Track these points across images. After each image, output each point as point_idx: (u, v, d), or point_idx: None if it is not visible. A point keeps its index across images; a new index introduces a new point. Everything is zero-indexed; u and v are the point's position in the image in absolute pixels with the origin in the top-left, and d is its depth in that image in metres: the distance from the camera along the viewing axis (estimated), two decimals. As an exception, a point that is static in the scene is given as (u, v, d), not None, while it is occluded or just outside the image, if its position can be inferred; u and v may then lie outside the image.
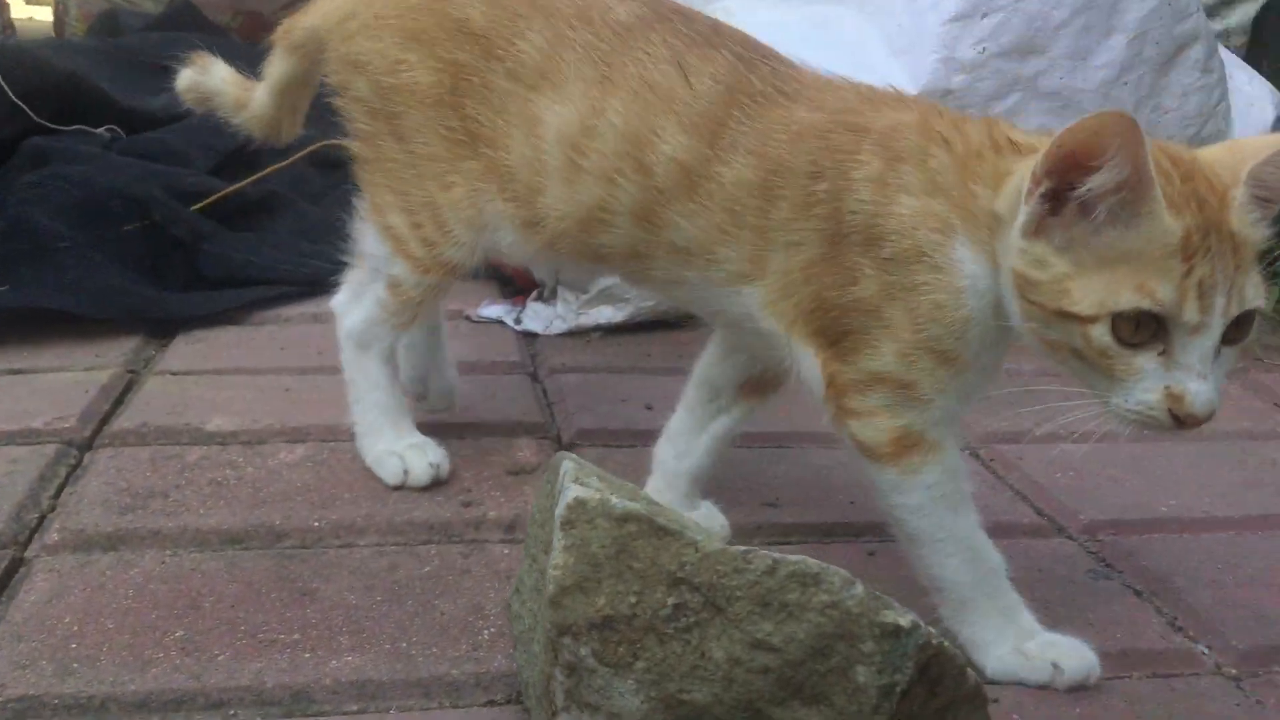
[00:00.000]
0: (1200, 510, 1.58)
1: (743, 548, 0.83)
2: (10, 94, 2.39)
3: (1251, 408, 1.98)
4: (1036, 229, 1.04)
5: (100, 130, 2.54)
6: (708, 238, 1.20)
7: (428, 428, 1.53)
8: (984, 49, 1.95)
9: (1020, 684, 1.19)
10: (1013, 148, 1.11)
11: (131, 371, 1.82)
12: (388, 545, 1.34)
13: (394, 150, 1.36)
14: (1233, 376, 1.33)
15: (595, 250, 1.28)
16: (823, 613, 0.81)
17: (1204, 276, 1.00)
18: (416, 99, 1.32)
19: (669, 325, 2.10)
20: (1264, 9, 2.79)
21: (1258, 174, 1.04)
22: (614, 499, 0.84)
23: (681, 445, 1.40)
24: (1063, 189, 1.02)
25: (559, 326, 2.04)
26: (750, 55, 1.23)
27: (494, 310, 2.10)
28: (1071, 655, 1.20)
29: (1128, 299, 1.00)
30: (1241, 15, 2.68)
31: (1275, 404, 2.01)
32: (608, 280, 2.03)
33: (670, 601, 0.82)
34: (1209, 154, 1.09)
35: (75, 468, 1.48)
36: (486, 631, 1.17)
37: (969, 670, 0.94)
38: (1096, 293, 1.01)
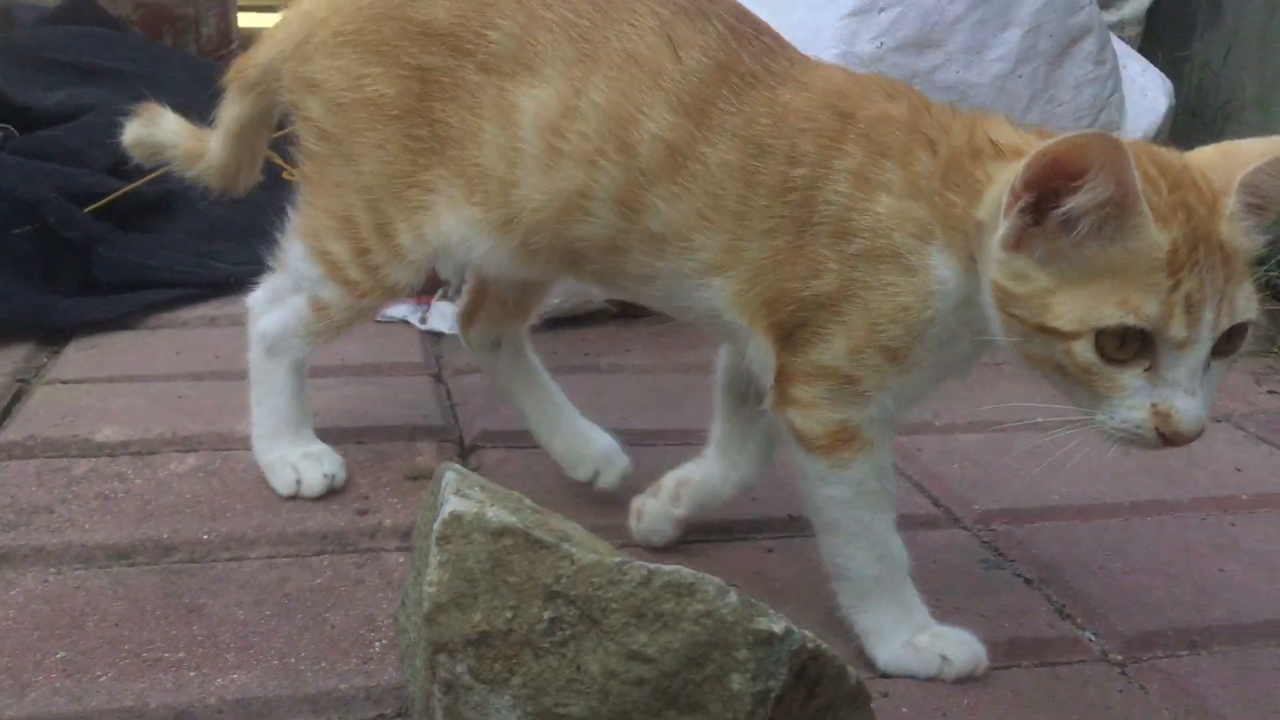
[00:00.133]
0: (1091, 497, 1.61)
1: (619, 559, 0.83)
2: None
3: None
4: (1017, 242, 1.00)
5: (-9, 129, 2.46)
6: (686, 223, 1.17)
7: (324, 432, 1.51)
8: (881, 44, 1.97)
9: (911, 676, 1.21)
10: (995, 151, 1.07)
11: (21, 381, 1.77)
12: (279, 557, 1.32)
13: (340, 170, 1.31)
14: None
15: (571, 245, 1.23)
16: (697, 622, 0.81)
17: (1192, 290, 0.96)
18: (380, 113, 1.27)
19: (576, 323, 2.10)
20: (1158, -1, 2.86)
21: (1251, 181, 1.00)
22: (490, 513, 0.84)
23: (732, 455, 1.38)
24: (1043, 203, 0.98)
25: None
26: (742, 28, 1.19)
27: (398, 310, 2.08)
28: (959, 647, 1.22)
29: (1111, 315, 0.96)
30: (1135, 6, 2.74)
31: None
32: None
33: (546, 615, 0.82)
34: (1201, 157, 1.06)
35: (-43, 484, 1.44)
36: (378, 644, 1.16)
37: (849, 670, 0.95)
38: (1079, 308, 0.98)
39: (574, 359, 1.95)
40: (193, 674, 1.10)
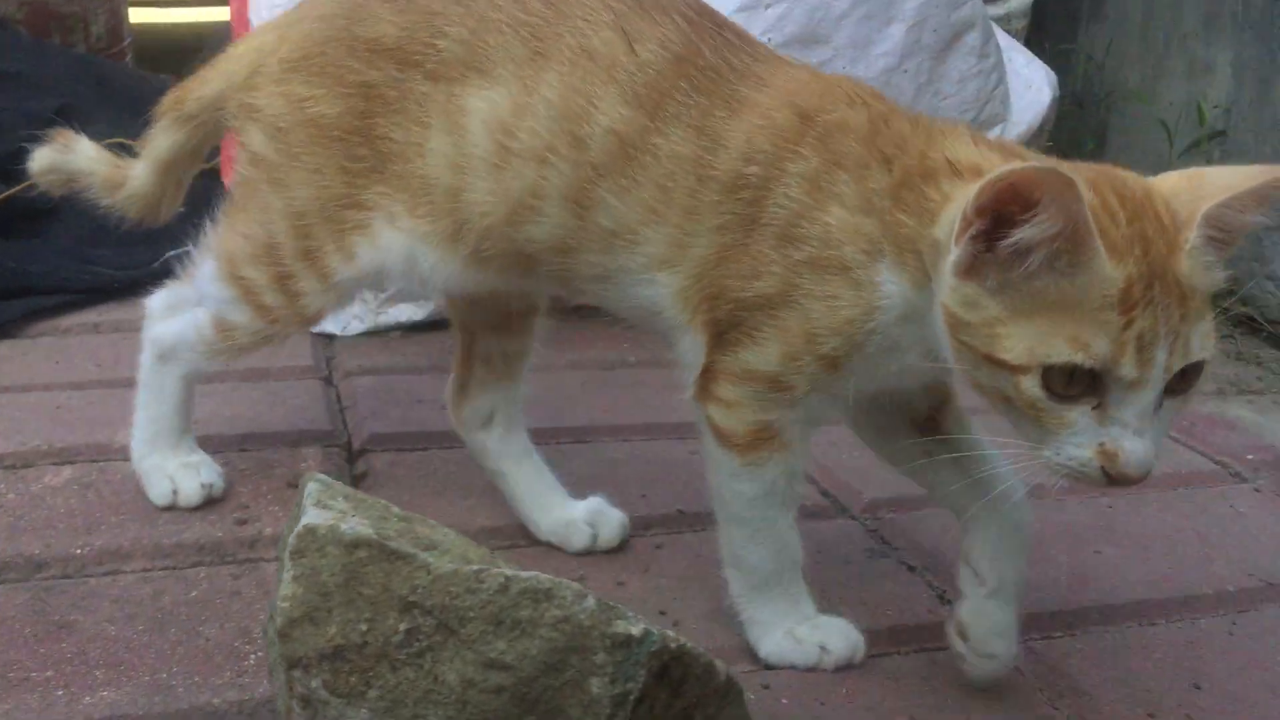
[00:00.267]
0: (974, 484, 1.65)
1: (476, 566, 0.83)
2: None
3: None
4: (969, 268, 0.97)
5: None
6: (635, 217, 1.15)
7: (207, 439, 1.49)
8: (769, 39, 1.98)
9: (792, 667, 1.23)
10: (952, 170, 1.04)
11: (-109, 394, 1.71)
12: (155, 570, 1.29)
13: (269, 196, 1.28)
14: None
15: (521, 249, 1.21)
16: (555, 627, 0.82)
17: (1144, 330, 0.92)
18: (321, 134, 1.24)
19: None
20: (1045, -8, 2.93)
21: (1215, 216, 0.96)
22: (345, 525, 0.83)
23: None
24: (996, 229, 0.95)
25: (356, 327, 2.01)
26: (703, 22, 1.17)
27: (289, 312, 2.04)
28: (837, 636, 1.25)
29: (1060, 351, 0.93)
30: (1022, -1, 2.81)
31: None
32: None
33: (402, 627, 0.81)
34: (1168, 183, 1.02)
35: None
36: (253, 656, 1.14)
37: (718, 667, 0.96)
38: (1028, 341, 0.94)
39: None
40: (60, 693, 1.08)
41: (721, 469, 1.19)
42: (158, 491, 1.40)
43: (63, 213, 2.29)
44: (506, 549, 1.42)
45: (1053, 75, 2.43)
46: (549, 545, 1.42)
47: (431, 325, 2.06)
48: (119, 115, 2.23)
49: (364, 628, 0.82)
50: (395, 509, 0.97)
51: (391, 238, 1.24)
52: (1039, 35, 2.83)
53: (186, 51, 2.93)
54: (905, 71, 2.09)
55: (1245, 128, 2.40)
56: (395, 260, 1.25)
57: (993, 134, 2.21)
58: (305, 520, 0.84)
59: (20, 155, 2.32)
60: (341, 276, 1.28)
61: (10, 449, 1.52)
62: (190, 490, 1.39)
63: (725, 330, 1.13)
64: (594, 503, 1.46)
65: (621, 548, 1.44)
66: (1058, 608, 1.37)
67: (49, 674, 1.10)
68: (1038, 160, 1.01)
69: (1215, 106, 2.44)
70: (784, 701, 1.19)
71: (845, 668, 1.24)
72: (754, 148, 1.10)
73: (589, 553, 1.42)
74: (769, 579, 1.23)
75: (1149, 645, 1.32)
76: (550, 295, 1.42)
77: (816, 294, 1.08)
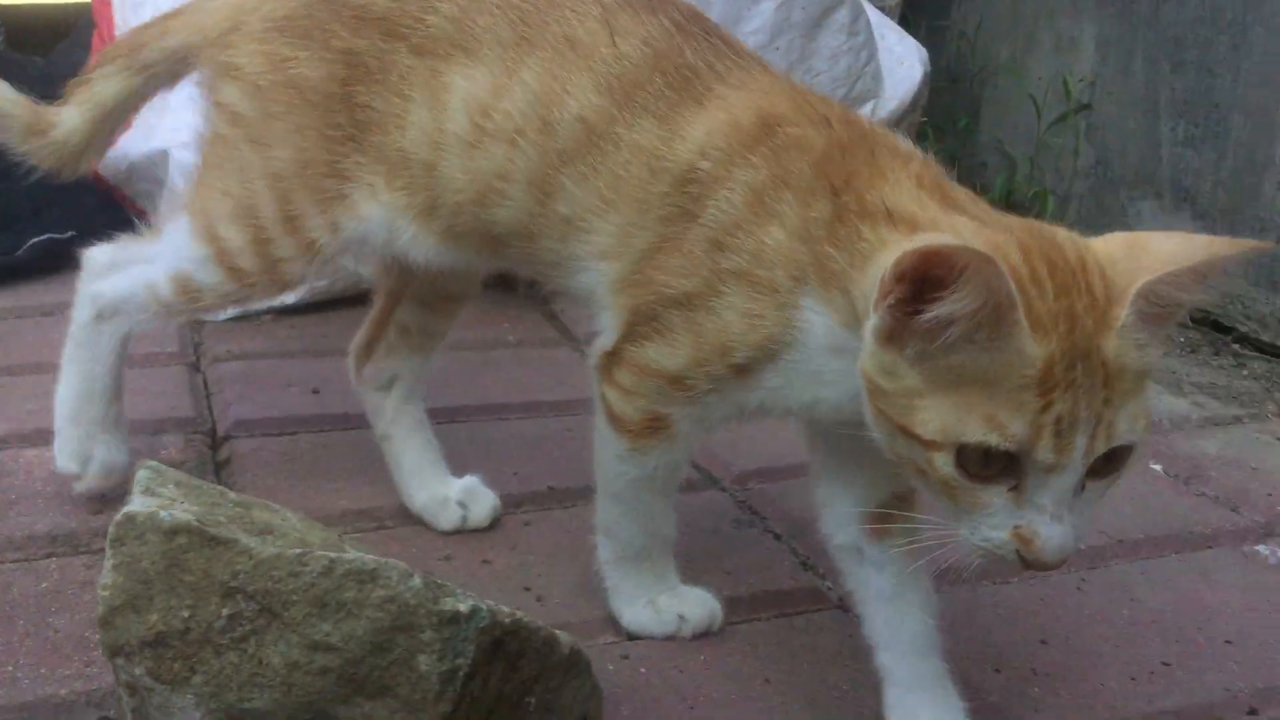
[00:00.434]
0: (841, 453, 1.68)
1: (299, 550, 0.83)
2: None
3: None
4: (889, 336, 0.91)
5: None
6: (589, 205, 1.13)
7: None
8: (640, 16, 1.99)
9: (651, 636, 1.25)
10: (887, 217, 0.98)
11: None
12: (5, 563, 1.27)
13: (249, 156, 1.24)
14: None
15: (489, 230, 1.20)
16: (381, 607, 0.82)
17: (1063, 413, 0.87)
18: (300, 97, 1.22)
19: (349, 303, 2.07)
20: (921, -30, 2.98)
21: (1151, 291, 0.89)
22: (164, 512, 0.83)
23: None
24: (918, 297, 0.88)
25: (227, 311, 1.97)
26: (691, 26, 1.16)
27: (158, 298, 2.00)
28: (695, 605, 1.27)
29: (975, 431, 0.87)
30: (898, -24, 2.85)
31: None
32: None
33: (225, 612, 0.81)
34: (1108, 248, 0.94)
35: None
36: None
37: (561, 640, 0.97)
38: (944, 417, 0.89)
39: (346, 341, 1.91)
40: (-101, 691, 1.05)
41: (608, 447, 1.19)
42: (66, 454, 1.36)
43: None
44: (373, 531, 1.42)
45: (924, 51, 2.47)
46: (417, 526, 1.42)
47: (305, 308, 2.04)
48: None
49: (186, 614, 0.81)
50: (232, 495, 0.96)
51: (371, 209, 1.23)
52: (914, 13, 2.88)
53: (58, 33, 2.84)
54: (776, 49, 2.11)
55: (1109, 101, 2.47)
56: (377, 231, 1.23)
57: (865, 110, 2.25)
58: (126, 508, 0.83)
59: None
60: (325, 245, 1.25)
61: None
62: (100, 462, 1.36)
63: (640, 321, 1.12)
64: (469, 482, 1.46)
65: (492, 526, 1.45)
66: (915, 570, 1.41)
67: (-112, 672, 1.08)
68: (975, 219, 0.97)
69: (1081, 80, 2.51)
70: (642, 671, 1.21)
71: (704, 635, 1.26)
72: (710, 143, 1.08)
73: (458, 532, 1.43)
74: (638, 553, 1.25)
75: (1000, 603, 1.37)
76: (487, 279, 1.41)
77: (739, 308, 1.05)
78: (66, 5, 3.01)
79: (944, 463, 0.90)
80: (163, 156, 2.04)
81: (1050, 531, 0.90)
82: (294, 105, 1.22)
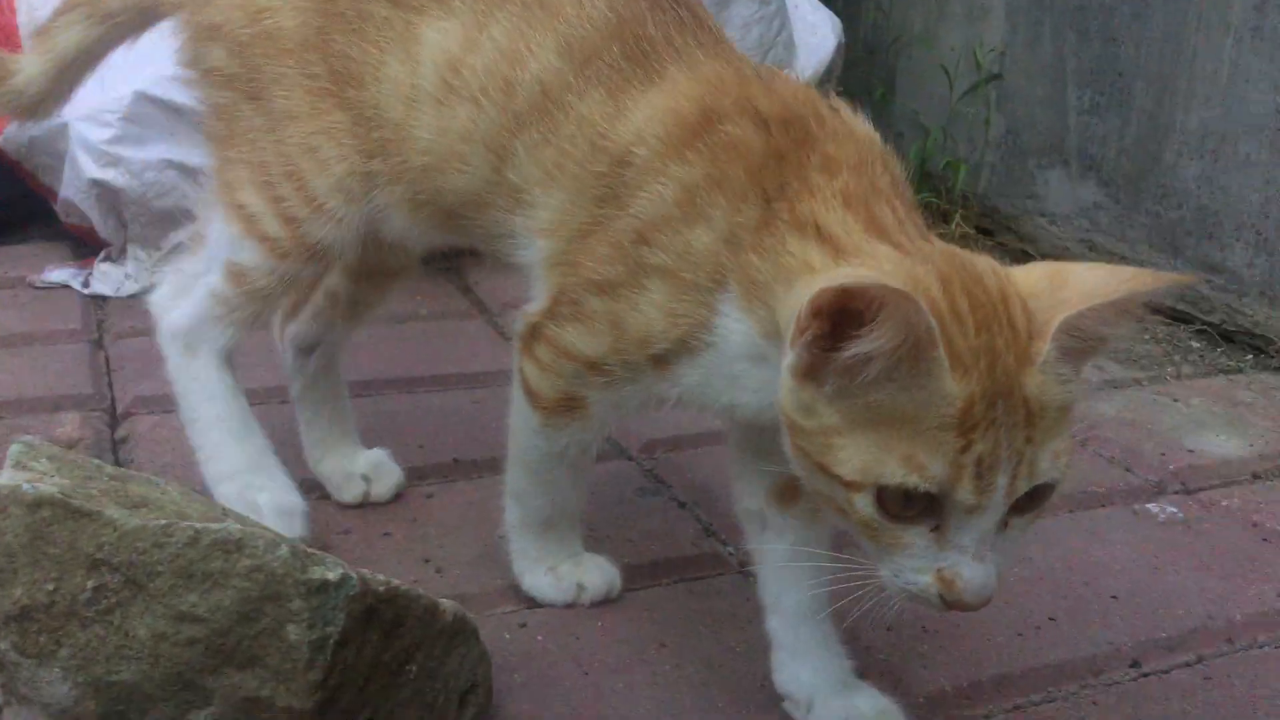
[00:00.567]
0: (747, 420, 1.70)
1: (164, 521, 0.83)
2: None
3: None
4: (807, 372, 0.88)
5: None
6: (535, 177, 1.10)
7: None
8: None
9: (550, 604, 1.26)
10: (816, 235, 0.95)
11: None
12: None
13: (251, 116, 1.21)
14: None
15: (446, 200, 1.17)
16: (248, 577, 0.82)
17: (984, 453, 0.84)
18: (278, 48, 1.19)
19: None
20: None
21: (1072, 326, 0.87)
22: (28, 485, 0.82)
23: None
24: (837, 333, 0.86)
25: (130, 288, 1.95)
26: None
27: (60, 274, 1.98)
28: (594, 573, 1.28)
29: (894, 472, 0.85)
30: (815, -54, 2.85)
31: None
32: (184, 234, 1.95)
33: (90, 585, 0.81)
34: (1030, 278, 0.92)
35: None
36: (-17, 625, 1.12)
37: (444, 608, 0.98)
38: (863, 456, 0.86)
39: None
40: None
41: (522, 420, 1.18)
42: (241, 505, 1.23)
43: None
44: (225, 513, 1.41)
45: (837, 21, 2.48)
46: (317, 500, 1.42)
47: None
48: None
49: (51, 587, 0.81)
50: (108, 468, 0.96)
51: (348, 168, 1.19)
52: (832, -18, 2.89)
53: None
54: (687, 18, 2.11)
55: (1018, 70, 2.50)
56: (357, 192, 1.20)
57: (777, 79, 2.26)
58: (-10, 483, 0.82)
59: None
60: (334, 207, 1.20)
61: None
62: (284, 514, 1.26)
63: (563, 303, 1.10)
64: (376, 456, 1.46)
65: (395, 499, 1.45)
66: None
67: None
68: (898, 245, 0.94)
69: (991, 50, 2.54)
70: (539, 639, 1.22)
71: (602, 603, 1.28)
72: (649, 129, 1.05)
73: (360, 505, 1.42)
74: (544, 522, 1.26)
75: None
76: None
77: (660, 304, 1.03)
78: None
79: (864, 503, 0.88)
80: (62, 129, 2.00)
81: (972, 574, 0.88)
82: (274, 55, 1.20)
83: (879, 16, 2.83)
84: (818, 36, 2.40)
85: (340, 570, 0.84)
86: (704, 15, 1.15)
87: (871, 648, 1.22)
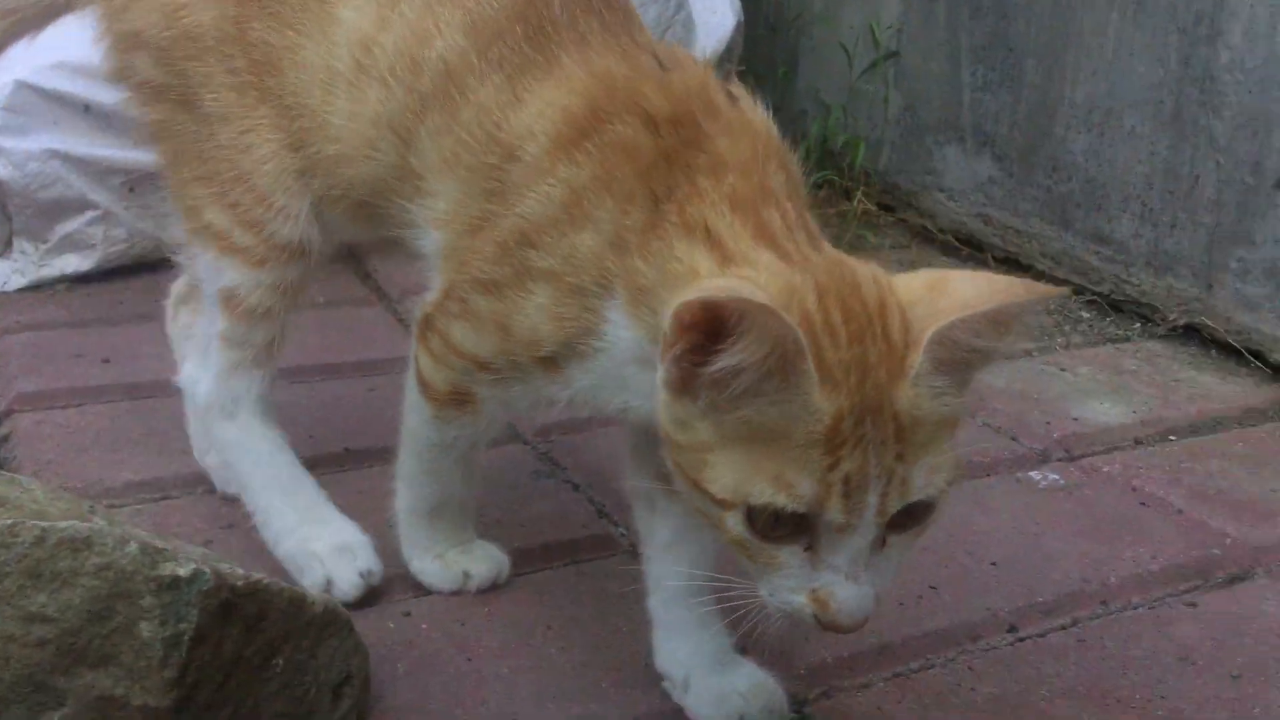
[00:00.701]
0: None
1: (10, 521, 0.81)
2: None
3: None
4: (680, 386, 0.86)
5: None
6: (433, 164, 1.08)
7: None
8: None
9: (438, 590, 1.26)
10: (706, 238, 0.92)
11: None
12: None
13: (189, 125, 1.18)
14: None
15: (357, 192, 1.15)
16: (97, 575, 0.81)
17: (851, 471, 0.82)
18: (199, 47, 1.15)
19: (150, 268, 2.01)
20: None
21: (945, 338, 0.83)
22: None
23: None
24: (705, 347, 0.83)
25: (18, 281, 1.91)
26: None
27: (-59, 269, 1.93)
28: (481, 562, 1.28)
29: (762, 492, 0.83)
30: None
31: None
32: (71, 225, 1.91)
33: (-67, 588, 0.80)
34: (911, 287, 0.89)
35: None
36: None
37: (311, 600, 0.98)
38: (734, 474, 0.85)
39: (143, 308, 1.86)
40: None
41: (415, 407, 1.17)
42: (313, 578, 1.23)
43: None
44: (156, 501, 1.40)
45: (736, 1, 2.49)
46: (201, 495, 1.40)
47: (101, 275, 1.97)
48: None
49: (-109, 593, 0.79)
50: (-23, 473, 0.94)
51: (278, 165, 1.17)
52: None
53: None
54: (581, -1, 2.10)
55: (914, 48, 2.53)
56: (295, 188, 1.17)
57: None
58: None
59: None
60: (285, 205, 1.18)
61: None
62: (348, 580, 1.23)
63: (451, 299, 1.08)
64: None
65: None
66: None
67: None
68: (781, 251, 0.92)
69: (889, 28, 2.57)
70: (424, 626, 1.22)
71: (490, 589, 1.28)
72: (539, 125, 1.02)
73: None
74: (432, 509, 1.25)
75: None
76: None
77: (546, 309, 1.00)
78: None
79: (734, 522, 0.86)
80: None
81: (846, 594, 0.86)
82: (196, 54, 1.17)
83: (781, -5, 2.84)
84: (717, 15, 2.41)
85: (192, 566, 0.83)
86: (622, 4, 1.11)
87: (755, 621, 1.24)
